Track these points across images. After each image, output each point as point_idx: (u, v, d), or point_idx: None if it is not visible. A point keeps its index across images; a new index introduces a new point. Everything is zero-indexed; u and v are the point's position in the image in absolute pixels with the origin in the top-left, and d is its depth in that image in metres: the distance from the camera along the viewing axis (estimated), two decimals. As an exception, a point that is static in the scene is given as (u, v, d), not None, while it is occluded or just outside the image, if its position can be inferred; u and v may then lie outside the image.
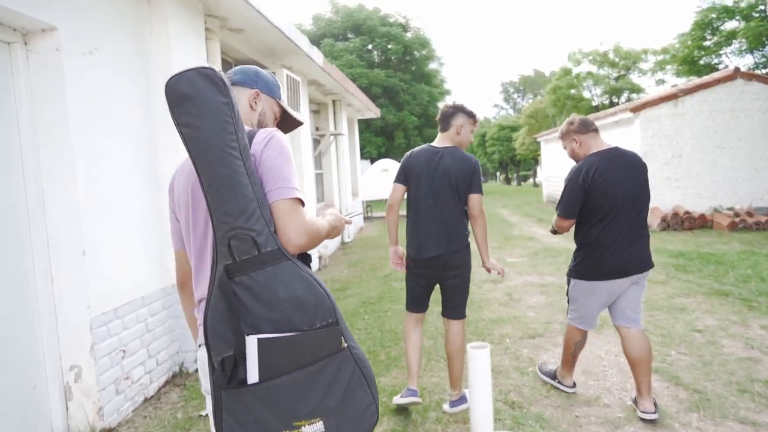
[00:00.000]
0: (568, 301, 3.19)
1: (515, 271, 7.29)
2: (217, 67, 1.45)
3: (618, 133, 11.94)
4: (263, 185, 1.34)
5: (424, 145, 3.14)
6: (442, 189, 2.97)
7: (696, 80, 11.64)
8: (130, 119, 3.53)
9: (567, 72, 26.06)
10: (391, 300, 6.09)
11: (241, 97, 1.58)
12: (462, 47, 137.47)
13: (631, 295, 2.97)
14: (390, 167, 16.97)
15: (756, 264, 6.80)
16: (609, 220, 2.88)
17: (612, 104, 25.17)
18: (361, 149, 25.63)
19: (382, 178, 16.68)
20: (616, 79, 25.40)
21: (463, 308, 3.13)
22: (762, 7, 15.01)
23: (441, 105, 3.20)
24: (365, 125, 26.51)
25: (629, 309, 2.98)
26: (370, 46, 27.33)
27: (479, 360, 2.70)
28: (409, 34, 28.00)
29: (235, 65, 5.87)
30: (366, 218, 17.12)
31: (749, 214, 10.32)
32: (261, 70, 1.67)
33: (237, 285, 1.27)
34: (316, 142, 9.81)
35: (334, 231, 1.53)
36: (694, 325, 4.53)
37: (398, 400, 3.11)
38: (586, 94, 26.74)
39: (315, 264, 7.89)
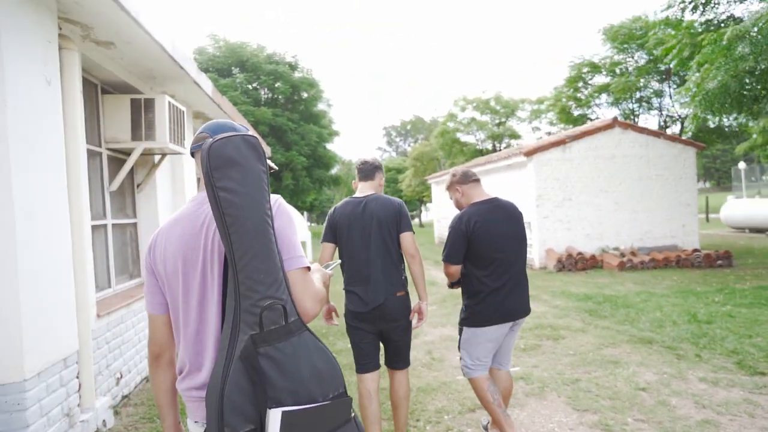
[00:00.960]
0: (459, 350, 3.17)
1: (428, 324, 6.71)
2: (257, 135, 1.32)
3: (512, 175, 12.19)
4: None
5: (345, 199, 3.13)
6: (373, 236, 2.95)
7: (581, 127, 12.36)
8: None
9: (452, 116, 27.13)
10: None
11: None
12: (345, 92, 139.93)
13: (508, 340, 3.17)
14: (280, 209, 16.02)
15: (660, 306, 6.89)
16: (492, 268, 2.98)
17: (494, 149, 26.54)
18: (247, 190, 24.22)
19: (272, 220, 15.66)
20: (498, 125, 26.96)
21: (408, 356, 3.13)
22: (624, 65, 16.70)
23: (361, 158, 3.21)
24: (251, 165, 25.24)
25: (504, 355, 3.20)
26: (256, 84, 26.39)
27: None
28: (297, 74, 27.55)
29: (101, 87, 4.78)
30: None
31: (633, 253, 10.87)
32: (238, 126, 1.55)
33: (261, 356, 1.25)
34: (198, 180, 8.68)
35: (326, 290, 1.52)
36: (636, 382, 4.20)
37: None
38: (470, 139, 28.03)
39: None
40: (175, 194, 6.24)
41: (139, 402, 4.31)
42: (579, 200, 11.29)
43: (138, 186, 5.52)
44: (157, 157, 5.58)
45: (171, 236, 1.47)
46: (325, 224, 3.10)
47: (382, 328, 2.98)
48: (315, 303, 1.36)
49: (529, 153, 11.10)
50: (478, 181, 3.18)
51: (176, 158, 6.21)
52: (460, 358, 3.12)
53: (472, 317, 3.02)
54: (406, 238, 2.98)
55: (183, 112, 5.38)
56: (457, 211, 3.20)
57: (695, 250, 10.71)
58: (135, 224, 5.49)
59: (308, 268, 1.39)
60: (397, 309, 2.96)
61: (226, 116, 7.50)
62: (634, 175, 11.44)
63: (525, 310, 3.06)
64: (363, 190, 3.10)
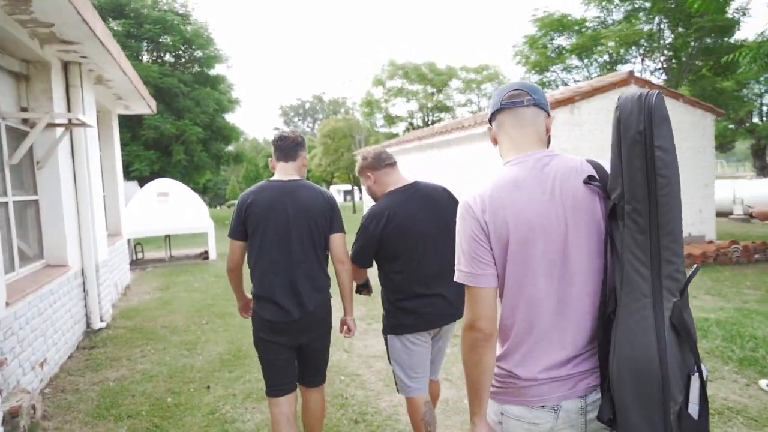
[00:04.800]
0: (390, 363, 2.75)
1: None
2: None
3: (490, 148, 9.23)
4: None
5: (261, 183, 2.65)
6: (301, 232, 2.55)
7: (590, 82, 9.69)
8: None
9: (379, 82, 23.58)
10: None
11: (541, 120, 1.47)
12: (235, 64, 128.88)
13: (438, 349, 2.82)
14: (170, 189, 11.95)
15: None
16: (413, 268, 2.60)
17: (426, 124, 23.60)
18: (127, 167, 19.37)
19: (159, 204, 11.56)
20: (432, 94, 23.90)
21: (326, 370, 2.78)
22: (590, 24, 14.42)
23: (280, 132, 2.73)
24: (131, 136, 20.26)
25: (435, 364, 2.85)
26: (136, 34, 21.17)
27: None
28: (189, 27, 22.69)
29: None
30: (135, 263, 11.65)
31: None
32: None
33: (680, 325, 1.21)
34: (16, 134, 4.71)
35: None
36: None
37: None
38: (398, 111, 24.85)
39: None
40: None
41: None
42: (588, 178, 8.60)
43: None
44: None
45: (516, 201, 1.35)
46: (234, 215, 2.61)
47: (301, 338, 2.60)
48: None
49: (529, 114, 8.17)
50: (393, 165, 2.77)
51: None
52: (394, 372, 2.71)
53: (394, 324, 2.66)
54: (336, 240, 2.66)
55: None
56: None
57: (732, 242, 8.50)
58: None
59: None
60: (322, 317, 2.64)
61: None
62: (648, 146, 8.98)
63: (455, 314, 2.64)
64: (284, 172, 2.65)
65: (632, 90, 8.84)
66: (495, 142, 1.52)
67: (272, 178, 2.64)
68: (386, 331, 2.73)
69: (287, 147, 2.65)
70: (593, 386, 1.33)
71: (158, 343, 5.29)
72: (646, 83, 9.09)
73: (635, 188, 1.21)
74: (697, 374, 1.18)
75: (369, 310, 6.54)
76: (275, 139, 2.68)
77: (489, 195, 1.36)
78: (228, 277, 2.74)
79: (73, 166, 5.56)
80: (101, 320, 5.80)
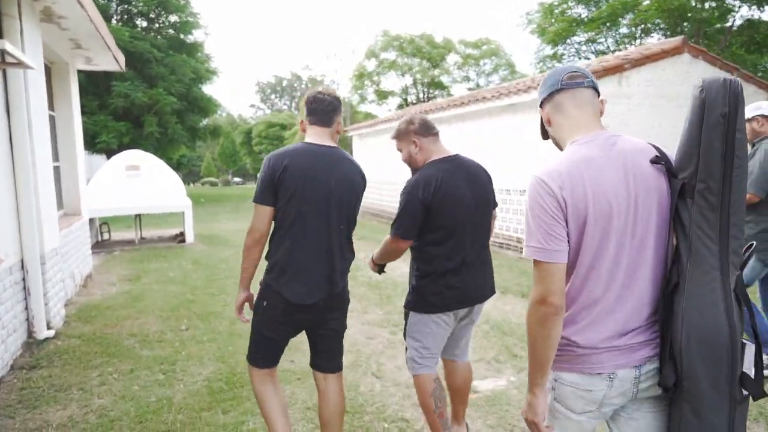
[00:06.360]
0: (405, 339, 2.67)
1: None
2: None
3: (525, 121, 8.02)
4: None
5: (297, 145, 2.33)
6: (340, 206, 2.31)
7: (640, 49, 8.50)
8: None
9: (372, 54, 22.01)
10: None
11: (597, 102, 1.51)
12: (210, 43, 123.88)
13: (464, 330, 2.72)
14: (142, 162, 10.50)
15: None
16: (450, 244, 2.49)
17: (420, 100, 22.20)
18: (93, 137, 17.64)
19: (129, 179, 10.09)
20: (428, 69, 22.45)
21: (342, 356, 2.57)
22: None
23: (315, 91, 2.41)
24: (99, 104, 18.46)
25: (461, 347, 2.76)
26: (104, -10, 19.24)
27: None
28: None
29: None
30: (100, 245, 10.20)
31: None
32: None
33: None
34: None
35: None
36: None
37: None
38: (390, 85, 23.38)
39: None
40: None
41: None
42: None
43: None
44: None
45: (592, 178, 1.37)
46: (261, 177, 2.27)
47: (317, 320, 2.38)
48: None
49: (571, 82, 6.99)
50: (438, 134, 2.65)
51: None
52: (406, 349, 2.65)
53: (421, 300, 2.54)
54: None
55: None
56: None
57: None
58: None
59: None
60: (346, 297, 2.49)
61: None
62: (696, 126, 7.91)
63: (486, 294, 2.62)
64: (319, 138, 2.35)
65: (684, 61, 7.76)
66: (549, 123, 1.54)
67: (308, 141, 2.34)
68: (413, 307, 2.59)
69: (324, 110, 2.35)
70: (648, 357, 1.37)
71: (124, 361, 3.99)
72: (701, 52, 7.94)
73: (712, 168, 1.27)
74: (750, 341, 1.27)
75: (386, 313, 5.36)
76: (310, 100, 2.38)
77: (566, 172, 1.37)
78: (245, 252, 2.32)
79: (9, 124, 4.15)
80: (49, 327, 4.45)
